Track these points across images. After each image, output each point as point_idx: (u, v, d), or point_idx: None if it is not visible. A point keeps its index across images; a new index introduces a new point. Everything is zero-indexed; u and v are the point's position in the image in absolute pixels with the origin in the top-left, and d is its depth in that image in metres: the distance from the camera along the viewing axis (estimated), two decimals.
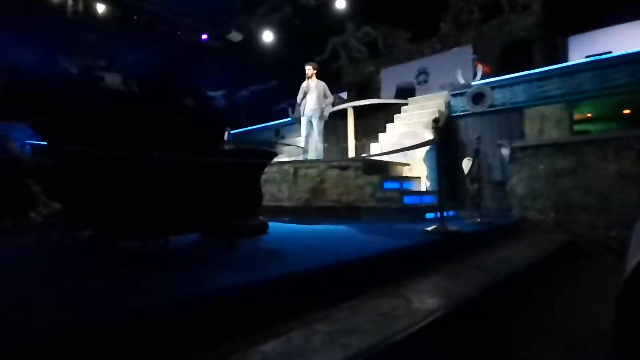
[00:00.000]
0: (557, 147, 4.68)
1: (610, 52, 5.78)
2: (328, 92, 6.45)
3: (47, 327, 1.15)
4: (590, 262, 4.07)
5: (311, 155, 6.20)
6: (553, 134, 5.54)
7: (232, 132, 9.82)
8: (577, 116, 5.95)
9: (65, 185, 2.79)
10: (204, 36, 12.34)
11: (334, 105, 7.08)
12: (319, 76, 6.57)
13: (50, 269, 2.09)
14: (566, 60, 7.49)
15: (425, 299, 1.91)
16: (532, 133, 5.77)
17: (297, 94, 6.60)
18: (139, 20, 11.26)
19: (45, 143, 2.92)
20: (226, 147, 3.11)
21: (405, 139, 6.08)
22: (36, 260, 2.34)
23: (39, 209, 3.23)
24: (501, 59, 8.35)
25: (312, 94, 6.36)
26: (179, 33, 12.02)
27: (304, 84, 6.47)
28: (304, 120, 6.49)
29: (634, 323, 0.72)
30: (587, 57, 6.01)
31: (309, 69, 6.44)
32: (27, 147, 5.30)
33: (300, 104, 6.54)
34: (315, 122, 6.36)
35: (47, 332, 1.12)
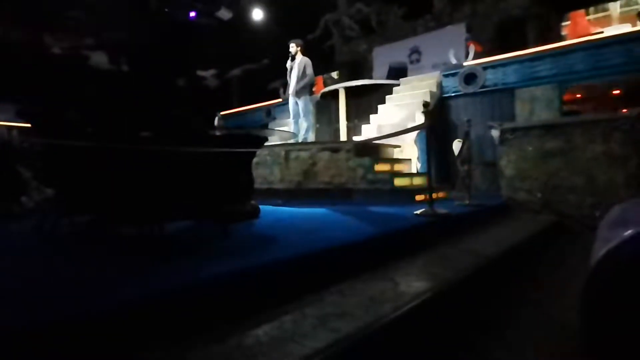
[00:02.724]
0: (546, 129, 4.73)
1: (602, 32, 5.77)
2: (309, 70, 6.16)
3: (44, 317, 1.19)
4: (575, 242, 4.19)
5: (300, 137, 6.15)
6: (543, 115, 5.58)
7: (223, 113, 9.73)
8: (567, 96, 5.97)
9: (57, 170, 2.79)
10: (192, 13, 12.01)
11: (325, 85, 7.01)
12: (308, 54, 6.39)
13: (45, 257, 2.12)
14: (561, 39, 7.46)
15: (412, 282, 1.98)
16: (522, 114, 5.81)
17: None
18: None
19: (30, 125, 2.90)
20: (217, 132, 3.11)
21: (398, 120, 6.09)
22: (31, 247, 2.37)
23: (32, 195, 3.23)
24: (495, 38, 8.28)
25: (294, 73, 6.21)
26: (166, 10, 11.70)
27: (288, 63, 6.33)
28: (290, 100, 6.38)
29: (597, 320, 0.78)
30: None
31: (291, 47, 6.25)
32: (15, 130, 5.23)
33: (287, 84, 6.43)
34: (297, 101, 6.24)
35: (44, 323, 1.16)
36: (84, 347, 1.18)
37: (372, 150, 5.01)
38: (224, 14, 11.53)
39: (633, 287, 0.76)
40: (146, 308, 1.36)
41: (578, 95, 6.54)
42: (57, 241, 2.50)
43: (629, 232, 0.80)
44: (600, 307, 0.82)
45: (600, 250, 0.82)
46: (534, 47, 6.24)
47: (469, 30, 8.13)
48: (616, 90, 6.31)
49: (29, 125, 2.78)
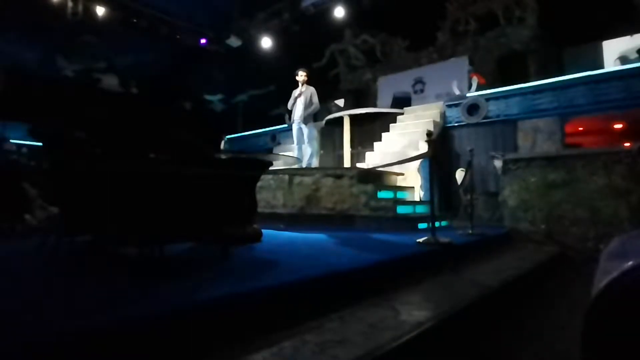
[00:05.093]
0: (548, 160, 4.77)
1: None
2: (315, 99, 6.36)
3: (42, 336, 1.19)
4: (579, 274, 4.13)
5: (304, 163, 6.21)
6: (545, 146, 5.63)
7: (228, 137, 9.87)
8: (569, 129, 6.04)
9: (63, 189, 2.82)
10: (203, 40, 12.41)
11: (330, 112, 7.13)
12: (313, 82, 6.55)
13: (47, 275, 2.12)
14: (561, 73, 7.61)
15: (413, 311, 1.96)
16: (525, 145, 5.86)
17: None
18: (138, 23, 11.31)
19: (41, 145, 2.95)
20: (222, 155, 3.16)
21: (401, 148, 6.15)
22: (34, 266, 2.37)
23: (36, 213, 3.25)
24: (497, 71, 8.46)
25: (301, 100, 6.36)
26: (178, 36, 12.10)
27: (295, 91, 6.48)
28: (294, 127, 6.49)
29: (598, 354, 0.77)
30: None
31: (301, 75, 6.42)
32: (24, 149, 5.31)
33: (291, 111, 6.56)
34: (302, 128, 6.37)
35: (42, 341, 1.16)
36: None
37: (375, 177, 5.05)
38: (233, 41, 11.91)
39: (633, 320, 0.76)
40: (142, 330, 1.34)
41: (580, 128, 6.62)
42: (57, 261, 2.50)
43: (629, 263, 0.81)
44: (601, 341, 0.82)
45: (600, 282, 0.82)
46: (535, 80, 6.37)
47: (471, 62, 8.32)
48: (618, 124, 6.38)
49: (40, 144, 2.83)
